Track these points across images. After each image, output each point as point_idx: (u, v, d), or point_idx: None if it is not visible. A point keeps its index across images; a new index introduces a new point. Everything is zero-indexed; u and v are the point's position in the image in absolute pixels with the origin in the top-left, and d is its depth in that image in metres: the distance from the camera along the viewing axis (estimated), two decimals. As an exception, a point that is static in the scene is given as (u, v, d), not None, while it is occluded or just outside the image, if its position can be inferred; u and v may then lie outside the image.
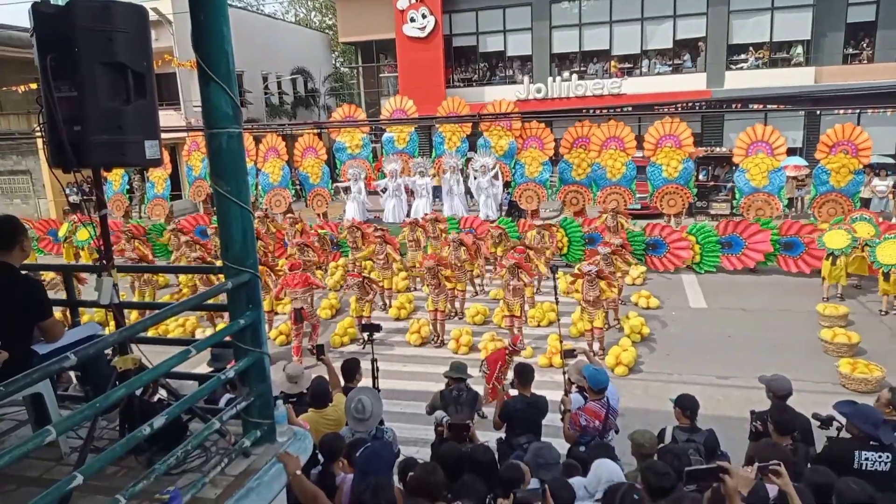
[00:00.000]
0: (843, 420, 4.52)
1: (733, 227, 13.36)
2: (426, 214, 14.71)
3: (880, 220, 12.52)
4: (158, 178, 19.55)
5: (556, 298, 6.85)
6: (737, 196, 15.36)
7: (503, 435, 5.45)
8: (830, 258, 11.35)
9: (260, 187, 18.87)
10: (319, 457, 4.23)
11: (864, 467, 4.15)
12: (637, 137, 16.58)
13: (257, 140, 19.46)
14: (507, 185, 18.16)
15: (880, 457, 4.15)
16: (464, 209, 16.75)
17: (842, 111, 18.47)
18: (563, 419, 5.23)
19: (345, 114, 19.05)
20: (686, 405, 5.06)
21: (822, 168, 14.27)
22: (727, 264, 13.41)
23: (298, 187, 20.73)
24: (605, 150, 15.93)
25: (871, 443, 4.20)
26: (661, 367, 9.10)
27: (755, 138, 14.89)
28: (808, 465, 4.25)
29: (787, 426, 4.51)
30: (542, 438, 5.23)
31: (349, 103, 22.83)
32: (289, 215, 16.09)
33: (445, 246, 11.47)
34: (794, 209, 17.62)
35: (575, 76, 22.12)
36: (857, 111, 19.31)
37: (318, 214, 18.37)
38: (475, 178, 16.97)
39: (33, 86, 20.60)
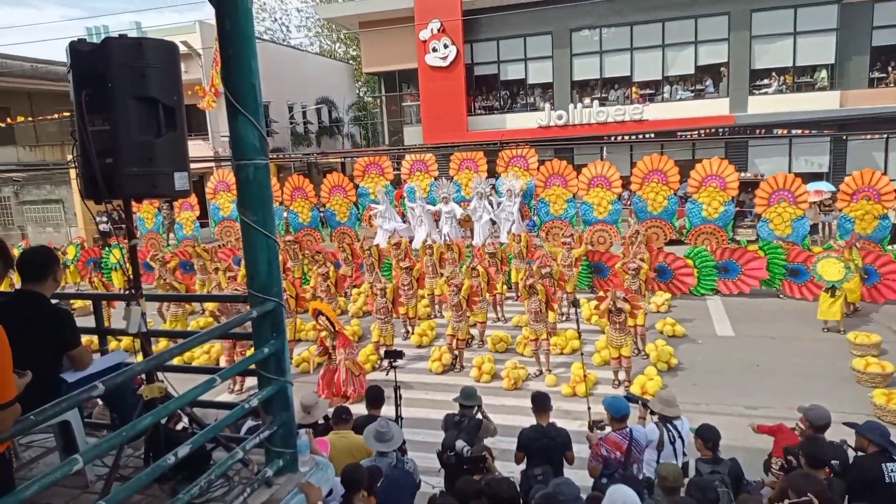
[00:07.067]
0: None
1: (730, 254, 13.44)
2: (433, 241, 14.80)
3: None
4: (187, 219, 19.90)
5: (579, 330, 6.85)
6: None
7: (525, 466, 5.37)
8: (830, 290, 10.99)
9: (290, 226, 19.06)
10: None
11: (893, 479, 4.21)
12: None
13: (279, 169, 19.74)
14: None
15: None
16: (487, 235, 16.76)
17: (868, 136, 18.16)
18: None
19: (368, 161, 19.73)
20: (707, 436, 4.95)
21: (845, 217, 13.99)
22: (723, 288, 13.48)
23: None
24: (646, 182, 15.90)
25: (893, 455, 4.29)
26: (687, 397, 8.88)
27: (776, 187, 14.46)
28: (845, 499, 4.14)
29: (818, 459, 4.37)
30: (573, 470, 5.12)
31: (373, 133, 23.11)
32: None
33: (467, 279, 11.34)
34: (820, 235, 17.22)
35: (596, 103, 22.16)
36: (885, 136, 19.01)
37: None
38: (498, 204, 17.10)
39: (66, 113, 21.26)
